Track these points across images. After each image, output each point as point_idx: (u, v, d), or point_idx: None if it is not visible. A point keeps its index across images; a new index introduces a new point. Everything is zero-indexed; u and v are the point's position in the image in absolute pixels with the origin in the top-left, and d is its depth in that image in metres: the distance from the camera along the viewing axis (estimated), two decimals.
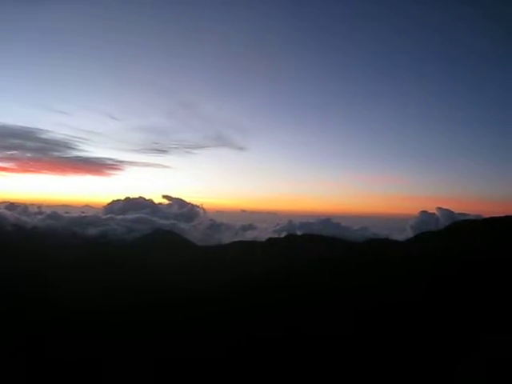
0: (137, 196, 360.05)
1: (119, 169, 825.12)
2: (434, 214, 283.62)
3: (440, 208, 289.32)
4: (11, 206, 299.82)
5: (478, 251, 78.48)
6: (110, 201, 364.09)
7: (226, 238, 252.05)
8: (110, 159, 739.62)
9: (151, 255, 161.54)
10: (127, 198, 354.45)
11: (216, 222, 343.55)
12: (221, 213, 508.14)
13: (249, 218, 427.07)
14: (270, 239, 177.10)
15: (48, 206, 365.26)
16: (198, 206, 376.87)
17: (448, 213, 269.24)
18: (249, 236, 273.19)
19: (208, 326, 65.40)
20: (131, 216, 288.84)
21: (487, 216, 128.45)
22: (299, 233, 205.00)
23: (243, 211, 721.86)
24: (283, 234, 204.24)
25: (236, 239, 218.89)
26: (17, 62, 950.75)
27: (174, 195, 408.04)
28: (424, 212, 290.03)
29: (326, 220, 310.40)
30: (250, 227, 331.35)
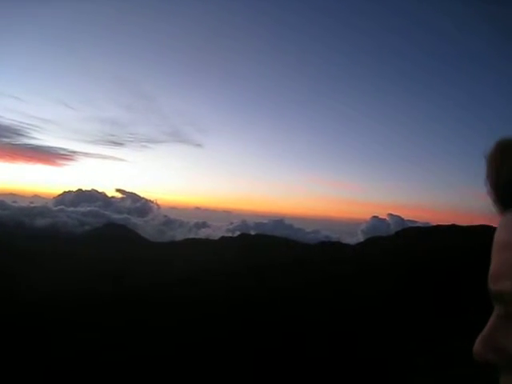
0: (89, 188, 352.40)
1: (72, 159, 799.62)
2: (384, 219, 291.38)
3: (391, 214, 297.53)
4: None
5: (424, 257, 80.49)
6: (60, 192, 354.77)
7: (180, 235, 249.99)
8: (63, 149, 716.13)
9: (102, 250, 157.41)
10: (79, 190, 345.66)
11: (170, 218, 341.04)
12: (175, 209, 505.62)
13: (203, 216, 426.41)
14: (223, 238, 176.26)
15: None
16: (151, 202, 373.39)
17: (398, 219, 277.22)
18: (202, 234, 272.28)
19: (155, 322, 64.12)
20: (83, 209, 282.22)
21: (435, 224, 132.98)
22: (252, 233, 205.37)
23: (197, 208, 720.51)
24: (236, 234, 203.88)
25: (189, 236, 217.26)
26: None
27: (127, 189, 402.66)
28: (375, 217, 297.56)
29: (280, 221, 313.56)
30: (204, 225, 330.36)
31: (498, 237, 0.73)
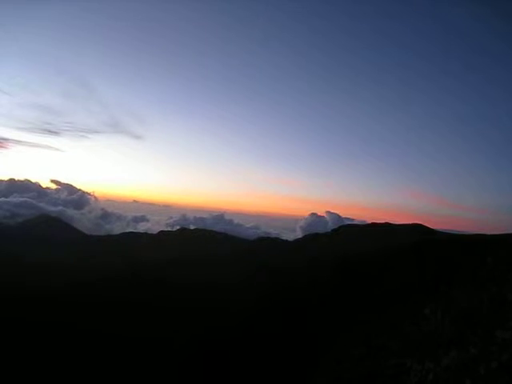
0: (22, 178, 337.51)
1: (3, 147, 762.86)
2: (323, 216, 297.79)
3: (329, 211, 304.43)
4: None
5: (359, 254, 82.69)
6: None
7: (117, 229, 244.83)
8: None
9: (35, 242, 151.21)
10: (11, 180, 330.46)
11: (107, 211, 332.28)
12: (113, 202, 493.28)
13: (142, 209, 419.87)
14: (162, 232, 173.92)
15: None
16: (89, 194, 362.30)
17: (336, 216, 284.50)
18: (141, 228, 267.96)
19: (87, 317, 62.01)
20: (15, 199, 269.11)
21: (370, 222, 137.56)
22: (192, 227, 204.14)
23: (136, 202, 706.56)
24: (176, 228, 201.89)
25: (127, 230, 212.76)
26: None
27: (63, 180, 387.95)
28: (314, 214, 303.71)
29: (220, 216, 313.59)
30: (143, 219, 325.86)
31: None
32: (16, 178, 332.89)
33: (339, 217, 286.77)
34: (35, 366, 48.80)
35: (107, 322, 60.22)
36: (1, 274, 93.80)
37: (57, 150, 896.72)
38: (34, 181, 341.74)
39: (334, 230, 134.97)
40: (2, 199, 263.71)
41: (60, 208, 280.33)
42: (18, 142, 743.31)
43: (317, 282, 70.39)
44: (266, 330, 54.23)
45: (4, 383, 44.87)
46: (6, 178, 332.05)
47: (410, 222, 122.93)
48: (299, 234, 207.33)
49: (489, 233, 71.07)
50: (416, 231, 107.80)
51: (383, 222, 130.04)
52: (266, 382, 43.08)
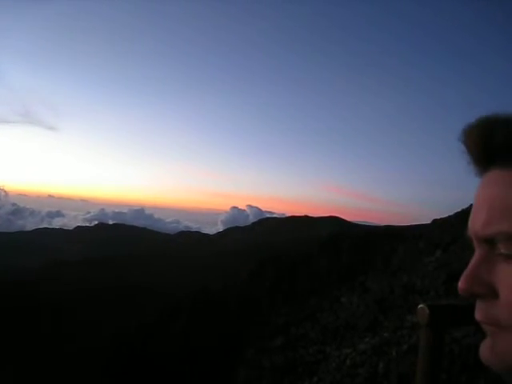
0: None
1: None
2: (244, 210, 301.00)
3: (249, 205, 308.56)
4: None
5: (279, 246, 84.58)
6: None
7: (31, 225, 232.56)
8: None
9: None
10: None
11: (19, 206, 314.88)
12: (25, 196, 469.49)
13: (57, 204, 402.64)
14: (78, 227, 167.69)
15: None
16: None
17: (256, 210, 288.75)
18: (56, 223, 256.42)
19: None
20: None
21: (290, 215, 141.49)
22: (111, 222, 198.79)
23: (51, 196, 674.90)
24: (94, 223, 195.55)
25: (42, 226, 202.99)
26: None
27: None
28: (235, 208, 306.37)
29: (140, 211, 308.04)
30: (58, 214, 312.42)
31: (484, 191, 0.52)
32: None
33: (260, 210, 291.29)
34: None
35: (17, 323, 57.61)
36: None
37: None
38: None
39: (254, 223, 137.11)
40: None
41: None
42: None
43: (235, 274, 71.10)
44: (188, 325, 54.07)
45: None
46: None
47: (328, 215, 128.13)
48: (220, 228, 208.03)
49: (400, 224, 75.32)
50: (333, 223, 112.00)
51: (302, 214, 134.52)
52: (190, 376, 43.02)
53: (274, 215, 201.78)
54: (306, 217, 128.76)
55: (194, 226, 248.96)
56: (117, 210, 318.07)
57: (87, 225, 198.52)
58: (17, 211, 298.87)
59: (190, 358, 45.13)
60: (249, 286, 64.93)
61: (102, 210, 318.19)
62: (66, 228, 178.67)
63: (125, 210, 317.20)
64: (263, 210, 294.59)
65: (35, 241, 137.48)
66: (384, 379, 5.33)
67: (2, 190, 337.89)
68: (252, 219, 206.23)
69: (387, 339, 6.59)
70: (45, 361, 48.60)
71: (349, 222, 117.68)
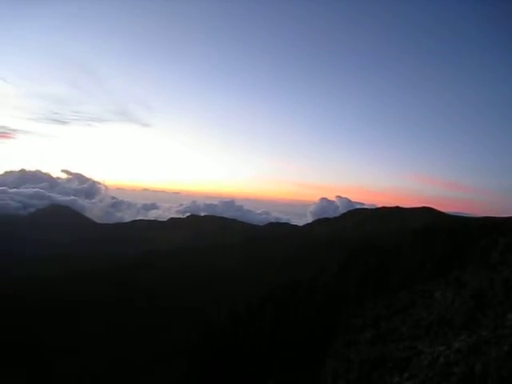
0: (33, 169, 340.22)
1: (10, 137, 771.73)
2: (333, 201, 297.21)
3: (339, 196, 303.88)
4: None
5: (369, 238, 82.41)
6: (1, 172, 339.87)
7: (128, 217, 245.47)
8: (2, 127, 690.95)
9: (48, 232, 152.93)
10: (22, 171, 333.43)
11: (118, 199, 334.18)
12: (123, 190, 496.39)
13: (152, 197, 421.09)
14: (172, 219, 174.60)
15: None
16: (99, 183, 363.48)
17: (346, 201, 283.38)
18: (152, 215, 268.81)
19: (93, 306, 62.70)
20: (27, 190, 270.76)
21: (380, 206, 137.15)
22: (203, 214, 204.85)
23: (146, 190, 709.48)
24: (186, 215, 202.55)
25: (138, 218, 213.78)
26: None
27: (73, 170, 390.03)
28: (324, 199, 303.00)
29: (230, 202, 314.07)
30: (153, 206, 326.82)
31: None
32: (27, 169, 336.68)
33: (349, 201, 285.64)
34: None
35: (116, 309, 60.87)
36: (20, 260, 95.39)
37: (66, 139, 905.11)
38: (44, 171, 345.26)
39: (344, 215, 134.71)
40: (14, 190, 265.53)
41: (71, 197, 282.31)
42: (27, 132, 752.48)
43: (324, 266, 70.32)
44: (277, 315, 54.38)
45: None
46: (17, 168, 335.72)
47: (420, 206, 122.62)
48: (309, 219, 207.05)
49: (500, 215, 70.60)
50: (426, 215, 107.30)
51: (393, 206, 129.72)
52: (279, 366, 43.26)
53: (364, 206, 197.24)
54: (398, 208, 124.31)
55: (284, 218, 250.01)
56: (208, 202, 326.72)
57: (180, 216, 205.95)
58: (116, 204, 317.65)
59: (277, 349, 45.35)
60: (338, 278, 64.09)
61: (194, 202, 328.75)
62: (160, 219, 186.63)
63: (216, 202, 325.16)
64: (353, 200, 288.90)
65: (132, 231, 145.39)
66: (481, 381, 4.94)
67: (103, 184, 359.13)
68: (341, 210, 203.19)
69: (485, 338, 6.11)
70: (138, 346, 51.01)
71: (443, 213, 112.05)
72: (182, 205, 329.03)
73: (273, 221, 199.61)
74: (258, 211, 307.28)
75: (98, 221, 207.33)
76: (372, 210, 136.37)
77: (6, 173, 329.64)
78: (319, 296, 56.34)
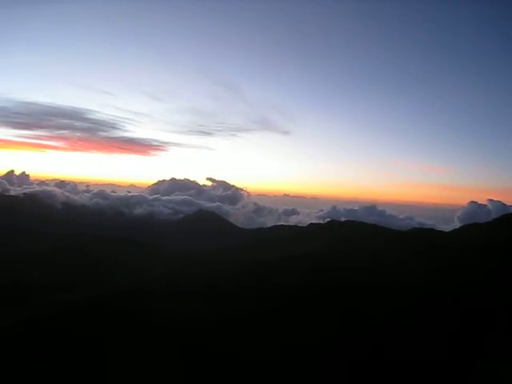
0: (182, 177, 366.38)
1: (163, 150, 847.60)
2: (484, 205, 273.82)
3: (491, 200, 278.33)
4: (61, 183, 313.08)
5: None
6: (154, 181, 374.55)
7: (270, 222, 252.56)
8: (155, 140, 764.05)
9: (196, 237, 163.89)
10: (172, 179, 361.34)
11: (259, 205, 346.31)
12: (264, 196, 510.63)
13: (291, 203, 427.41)
14: (312, 224, 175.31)
15: (95, 185, 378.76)
16: (241, 190, 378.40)
17: (499, 205, 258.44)
18: (292, 221, 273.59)
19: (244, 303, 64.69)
20: (177, 197, 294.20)
21: None
22: (343, 219, 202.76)
23: (286, 195, 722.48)
24: (326, 220, 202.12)
25: (279, 223, 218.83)
26: (65, 46, 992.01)
27: (217, 178, 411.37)
28: (473, 203, 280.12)
29: (371, 207, 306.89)
30: (293, 212, 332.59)
31: None
32: (177, 178, 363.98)
33: (504, 205, 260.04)
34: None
35: (263, 311, 62.17)
36: (170, 266, 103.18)
37: (211, 149, 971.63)
38: (192, 179, 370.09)
39: (496, 220, 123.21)
40: (166, 197, 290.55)
41: (216, 204, 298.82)
42: (176, 144, 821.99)
43: (472, 275, 64.90)
44: (418, 330, 51.48)
45: None
46: (168, 178, 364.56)
47: None
48: (457, 225, 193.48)
49: None
50: None
51: None
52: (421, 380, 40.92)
53: None
54: None
55: (428, 223, 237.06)
56: (348, 207, 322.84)
57: (320, 222, 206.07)
58: (257, 210, 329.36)
59: (423, 365, 42.70)
60: (487, 289, 58.58)
61: (334, 207, 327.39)
62: (300, 225, 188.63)
63: (356, 207, 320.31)
64: (508, 204, 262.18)
65: (273, 236, 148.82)
66: None
67: (245, 191, 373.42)
68: (494, 215, 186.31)
69: None
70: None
71: None
72: (321, 210, 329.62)
73: (416, 226, 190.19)
74: (401, 216, 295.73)
75: (241, 226, 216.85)
76: None
77: (159, 182, 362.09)
78: (464, 307, 52.01)
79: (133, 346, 51.72)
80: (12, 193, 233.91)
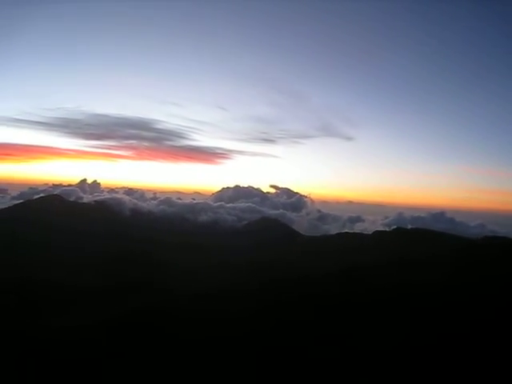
0: (245, 185, 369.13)
1: (228, 157, 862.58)
2: None
3: None
4: (130, 191, 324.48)
5: None
6: (218, 189, 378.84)
7: (334, 230, 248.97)
8: (219, 148, 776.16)
9: (259, 244, 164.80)
10: (236, 187, 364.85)
11: (323, 212, 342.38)
12: (328, 203, 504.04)
13: (356, 210, 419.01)
14: (377, 232, 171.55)
15: (162, 192, 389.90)
16: (305, 197, 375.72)
17: None
18: (357, 228, 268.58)
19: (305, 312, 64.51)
20: (241, 205, 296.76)
21: None
22: (409, 226, 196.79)
23: (350, 202, 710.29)
24: (392, 228, 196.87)
25: (344, 231, 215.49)
26: (133, 60, 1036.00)
27: (281, 185, 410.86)
28: None
29: (440, 214, 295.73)
30: (358, 219, 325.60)
31: None
32: (241, 185, 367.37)
33: None
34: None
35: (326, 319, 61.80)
36: (235, 271, 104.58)
37: (274, 156, 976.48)
38: (255, 187, 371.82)
39: None
40: (230, 205, 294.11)
41: (280, 211, 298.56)
42: (240, 152, 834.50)
43: None
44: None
45: None
46: (232, 185, 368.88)
47: None
48: None
49: None
50: None
51: None
52: None
53: None
54: None
55: (502, 231, 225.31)
56: (415, 215, 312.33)
57: (386, 229, 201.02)
58: (322, 217, 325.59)
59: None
60: None
61: (401, 214, 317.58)
62: (365, 232, 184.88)
63: (423, 214, 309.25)
64: None
65: (338, 244, 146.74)
66: None
67: (309, 198, 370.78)
68: None
69: None
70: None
71: None
72: (387, 217, 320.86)
73: (489, 234, 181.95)
74: (472, 224, 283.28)
75: (304, 233, 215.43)
76: None
77: (223, 189, 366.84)
78: None
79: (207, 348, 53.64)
80: (84, 200, 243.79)
